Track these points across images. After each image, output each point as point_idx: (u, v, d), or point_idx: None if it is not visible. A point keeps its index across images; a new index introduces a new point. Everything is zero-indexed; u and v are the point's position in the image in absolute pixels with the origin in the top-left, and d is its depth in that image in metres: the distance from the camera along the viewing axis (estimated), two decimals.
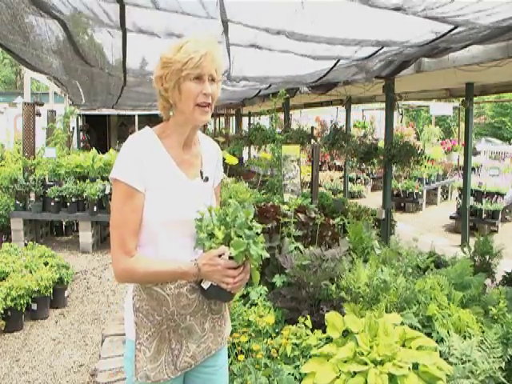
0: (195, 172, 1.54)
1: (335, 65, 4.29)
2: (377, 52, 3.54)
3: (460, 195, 8.61)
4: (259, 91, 7.60)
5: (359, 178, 12.50)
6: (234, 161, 3.59)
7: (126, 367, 1.51)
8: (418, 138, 13.09)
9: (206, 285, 1.44)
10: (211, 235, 1.43)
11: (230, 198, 4.64)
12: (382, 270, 2.95)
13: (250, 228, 1.43)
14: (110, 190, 6.44)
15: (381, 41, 3.10)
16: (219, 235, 1.41)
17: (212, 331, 1.54)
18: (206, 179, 1.55)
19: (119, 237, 1.40)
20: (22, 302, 4.03)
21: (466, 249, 4.05)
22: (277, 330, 2.72)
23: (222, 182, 1.75)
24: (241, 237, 1.39)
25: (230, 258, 1.39)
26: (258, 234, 1.44)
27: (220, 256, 1.39)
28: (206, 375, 1.58)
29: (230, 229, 1.42)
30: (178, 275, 1.42)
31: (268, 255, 1.44)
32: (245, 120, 15.53)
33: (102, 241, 7.27)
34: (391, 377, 1.94)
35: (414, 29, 2.84)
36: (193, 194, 1.49)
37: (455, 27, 2.71)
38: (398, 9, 2.35)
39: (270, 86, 6.42)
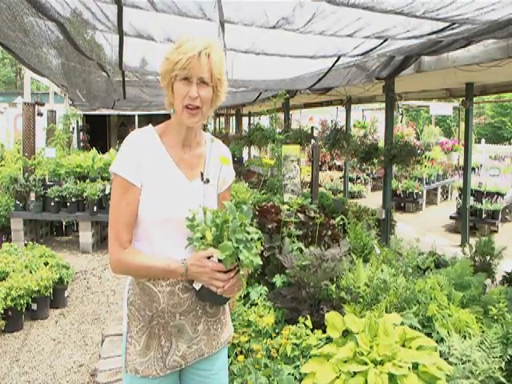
0: (195, 173, 1.52)
1: (334, 64, 4.27)
2: (376, 48, 3.52)
3: (460, 195, 8.61)
4: (259, 94, 7.59)
5: (359, 178, 12.50)
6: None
7: (121, 359, 1.53)
8: (418, 138, 13.08)
9: (197, 286, 1.44)
10: (203, 236, 1.41)
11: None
12: (382, 270, 2.95)
13: (248, 233, 1.39)
14: (110, 189, 6.44)
15: (380, 31, 3.07)
16: (208, 236, 1.39)
17: (206, 334, 1.53)
18: (207, 181, 1.52)
19: (114, 229, 1.43)
20: (22, 302, 4.03)
21: (466, 249, 4.05)
22: (277, 330, 2.72)
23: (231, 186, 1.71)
24: (231, 240, 1.36)
25: (220, 260, 1.36)
26: (257, 239, 1.40)
27: (209, 258, 1.38)
28: (201, 378, 1.57)
29: (221, 231, 1.39)
30: (166, 273, 1.43)
31: (261, 262, 1.40)
32: (245, 120, 15.53)
33: (102, 241, 7.27)
34: (391, 377, 1.94)
35: (414, 22, 2.82)
36: (190, 194, 1.48)
37: (454, 23, 2.70)
38: (399, 13, 2.35)
39: (267, 90, 6.42)
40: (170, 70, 1.40)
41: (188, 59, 1.36)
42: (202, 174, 1.52)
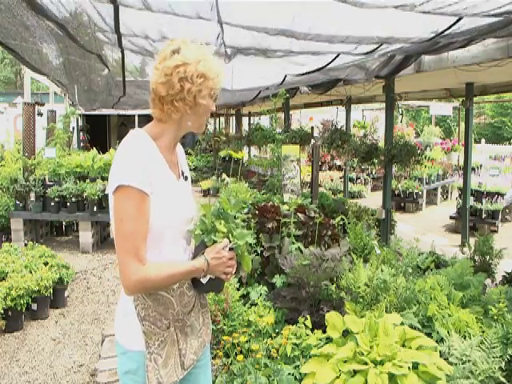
0: (179, 172, 1.57)
1: (334, 59, 4.25)
2: (377, 49, 3.52)
3: (460, 195, 8.61)
4: (259, 93, 7.58)
5: (359, 178, 12.50)
6: (239, 155, 3.59)
7: (125, 381, 1.45)
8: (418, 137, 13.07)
9: (205, 279, 1.49)
10: (212, 230, 1.49)
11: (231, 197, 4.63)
12: (381, 270, 2.95)
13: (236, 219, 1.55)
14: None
15: (382, 37, 3.06)
16: (222, 229, 1.48)
17: (204, 324, 1.61)
18: (186, 178, 1.60)
19: (133, 245, 1.34)
20: (21, 301, 4.02)
21: (465, 249, 4.05)
22: (277, 330, 2.72)
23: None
24: (236, 228, 1.51)
25: (230, 249, 1.47)
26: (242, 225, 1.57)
27: (223, 249, 1.46)
28: (198, 369, 1.60)
29: (229, 222, 1.51)
30: (190, 274, 1.45)
31: (253, 241, 1.57)
32: (245, 120, 15.54)
33: (102, 241, 7.26)
34: (391, 377, 1.94)
35: (415, 24, 2.81)
36: (183, 193, 1.53)
37: (458, 20, 2.68)
38: (396, 6, 2.34)
39: (267, 88, 6.41)
40: (209, 89, 1.45)
41: (222, 77, 1.47)
42: (182, 173, 1.59)
